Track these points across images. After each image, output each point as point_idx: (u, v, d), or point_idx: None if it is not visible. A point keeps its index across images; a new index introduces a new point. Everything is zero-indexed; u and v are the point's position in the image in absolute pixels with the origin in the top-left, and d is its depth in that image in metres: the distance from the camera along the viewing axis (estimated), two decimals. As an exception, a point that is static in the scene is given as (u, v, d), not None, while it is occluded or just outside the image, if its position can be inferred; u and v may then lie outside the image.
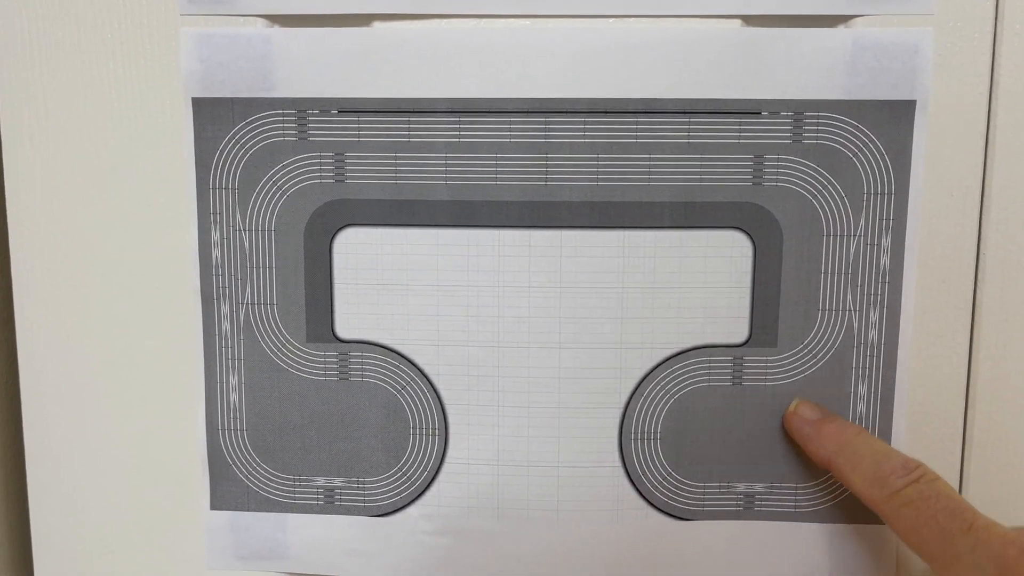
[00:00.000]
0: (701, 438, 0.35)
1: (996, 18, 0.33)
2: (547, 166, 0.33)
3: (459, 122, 0.33)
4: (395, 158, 0.34)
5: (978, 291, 0.34)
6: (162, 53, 0.34)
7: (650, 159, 0.33)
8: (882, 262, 0.34)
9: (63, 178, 0.36)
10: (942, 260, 0.34)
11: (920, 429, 0.35)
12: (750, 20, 0.33)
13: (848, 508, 0.35)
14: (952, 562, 0.28)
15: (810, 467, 0.35)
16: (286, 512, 0.36)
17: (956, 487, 0.35)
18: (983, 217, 0.34)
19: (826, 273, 0.34)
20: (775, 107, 0.33)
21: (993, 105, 0.33)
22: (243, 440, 0.36)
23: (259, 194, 0.34)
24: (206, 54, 0.33)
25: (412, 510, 0.36)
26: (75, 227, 0.36)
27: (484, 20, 0.33)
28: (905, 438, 0.35)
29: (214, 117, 0.34)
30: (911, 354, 0.34)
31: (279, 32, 0.33)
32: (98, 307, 0.37)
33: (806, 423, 0.33)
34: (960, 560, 0.28)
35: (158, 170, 0.35)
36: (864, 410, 0.34)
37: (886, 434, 0.34)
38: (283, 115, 0.34)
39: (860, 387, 0.34)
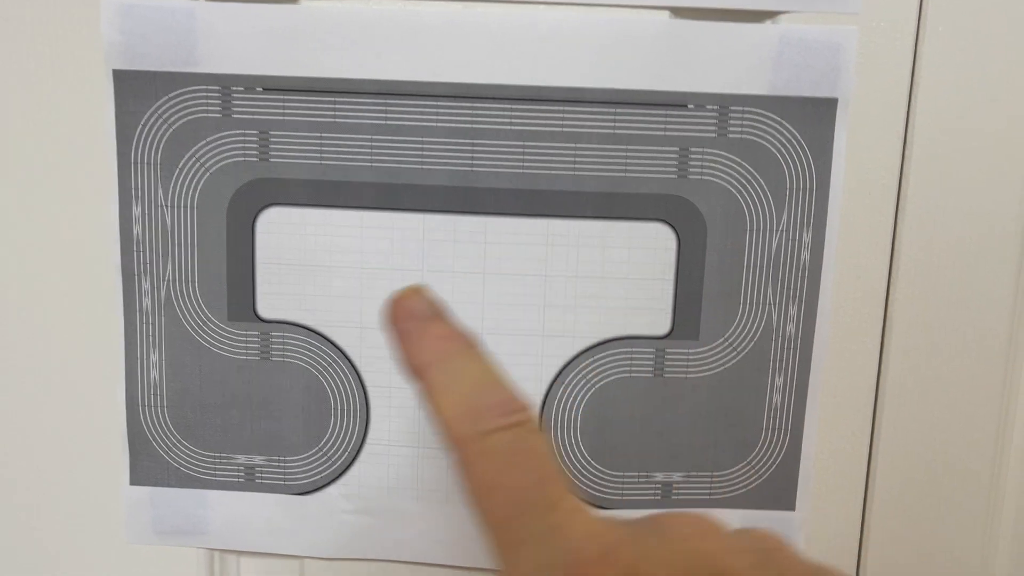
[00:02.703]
0: (621, 428, 0.34)
1: (919, 20, 0.32)
2: (473, 152, 0.32)
3: (385, 105, 0.32)
4: (320, 138, 0.32)
5: (891, 287, 0.34)
6: (83, 23, 0.33)
7: (576, 148, 0.32)
8: (802, 257, 0.33)
9: (-20, 147, 0.34)
10: (858, 256, 0.34)
11: (832, 419, 0.35)
12: (679, 12, 0.32)
13: (759, 495, 0.35)
14: (517, 545, 0.21)
15: (726, 456, 0.34)
16: (206, 488, 0.35)
17: (864, 474, 0.35)
18: (898, 216, 0.34)
19: (748, 267, 0.33)
20: (701, 100, 0.32)
21: (912, 106, 0.33)
22: (163, 417, 0.35)
23: (182, 170, 0.33)
24: (128, 25, 0.32)
25: (332, 489, 0.35)
26: (-7, 197, 0.35)
27: (413, 2, 0.32)
28: (817, 427, 0.34)
29: (136, 91, 0.32)
30: (826, 347, 0.34)
31: (204, 6, 0.32)
32: (18, 282, 0.35)
33: (411, 316, 0.25)
34: (525, 545, 0.21)
35: (78, 144, 0.34)
36: (780, 400, 0.34)
37: (799, 423, 0.34)
38: (207, 91, 0.32)
39: (777, 379, 0.34)
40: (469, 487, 0.22)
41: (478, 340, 0.25)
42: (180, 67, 0.32)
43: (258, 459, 0.35)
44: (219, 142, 0.32)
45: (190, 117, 0.32)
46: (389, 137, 0.32)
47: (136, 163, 0.33)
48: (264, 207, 0.33)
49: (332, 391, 0.34)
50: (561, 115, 0.32)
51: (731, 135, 0.32)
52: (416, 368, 0.24)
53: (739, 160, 0.32)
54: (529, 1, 0.31)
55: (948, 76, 0.32)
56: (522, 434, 0.22)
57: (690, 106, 0.32)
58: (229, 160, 0.33)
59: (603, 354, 0.34)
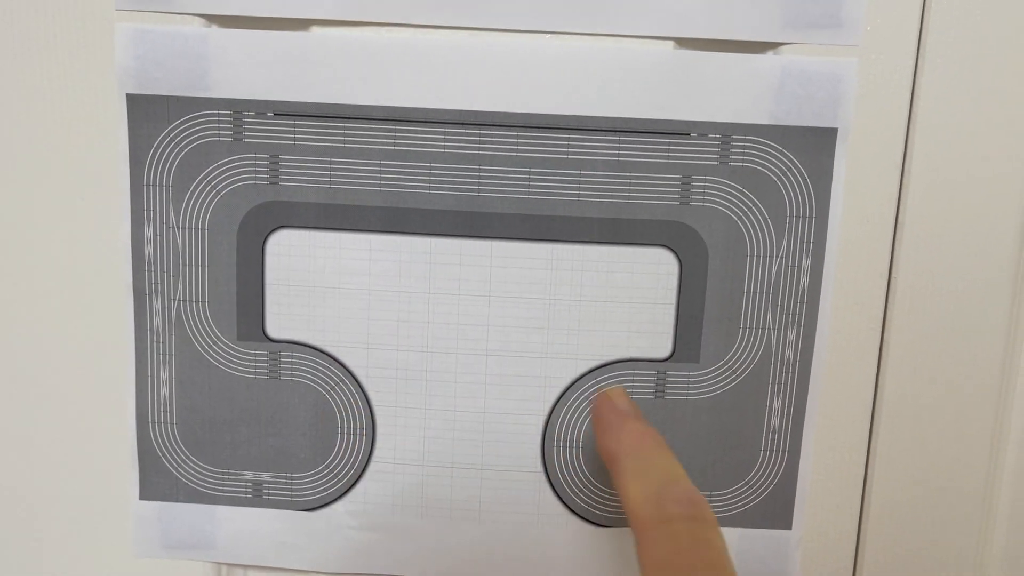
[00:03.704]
0: None
1: (918, 52, 0.33)
2: (480, 177, 0.33)
3: (394, 130, 0.32)
4: (330, 163, 0.33)
5: (888, 313, 0.34)
6: (98, 48, 0.33)
7: (580, 175, 0.32)
8: (801, 283, 0.33)
9: (-5, 167, 0.34)
10: (856, 283, 0.34)
11: (829, 441, 0.35)
12: (683, 43, 0.32)
13: (757, 514, 0.35)
14: None
15: (725, 476, 0.35)
16: (214, 504, 0.36)
17: (860, 494, 0.36)
18: (896, 243, 0.34)
19: (748, 292, 0.33)
20: (704, 129, 0.32)
21: (910, 136, 0.33)
22: (173, 433, 0.35)
23: (193, 193, 0.33)
24: (142, 51, 0.32)
25: (339, 506, 0.35)
26: (7, 219, 0.35)
27: (423, 30, 0.32)
28: (814, 448, 0.35)
29: (149, 114, 0.32)
30: (824, 371, 0.34)
31: (216, 32, 0.32)
32: (31, 300, 0.35)
33: (614, 411, 0.30)
34: None
35: (92, 165, 0.34)
36: (778, 423, 0.34)
37: (796, 445, 0.35)
38: (219, 115, 0.32)
39: (775, 401, 0.34)
40: (645, 564, 0.24)
41: (664, 440, 0.28)
42: (192, 92, 0.32)
43: (266, 475, 0.35)
44: (230, 165, 0.33)
45: (202, 141, 0.33)
46: (397, 162, 0.32)
47: (148, 185, 0.33)
48: (274, 229, 0.33)
49: (339, 410, 0.34)
50: (566, 142, 0.32)
51: (733, 163, 0.32)
52: (611, 454, 0.28)
53: (740, 188, 0.33)
54: (535, 31, 0.32)
55: (945, 107, 0.33)
56: (700, 526, 0.25)
57: (693, 134, 0.32)
58: (240, 183, 0.33)
59: (605, 376, 0.34)
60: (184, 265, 0.33)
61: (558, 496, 0.35)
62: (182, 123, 0.32)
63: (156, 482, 0.35)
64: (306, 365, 0.34)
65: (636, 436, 0.28)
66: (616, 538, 0.35)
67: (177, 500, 0.35)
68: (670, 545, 0.24)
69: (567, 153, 0.32)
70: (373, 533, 0.35)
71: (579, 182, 0.32)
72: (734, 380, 0.34)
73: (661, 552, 0.24)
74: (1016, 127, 0.33)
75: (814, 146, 0.32)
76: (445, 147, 0.32)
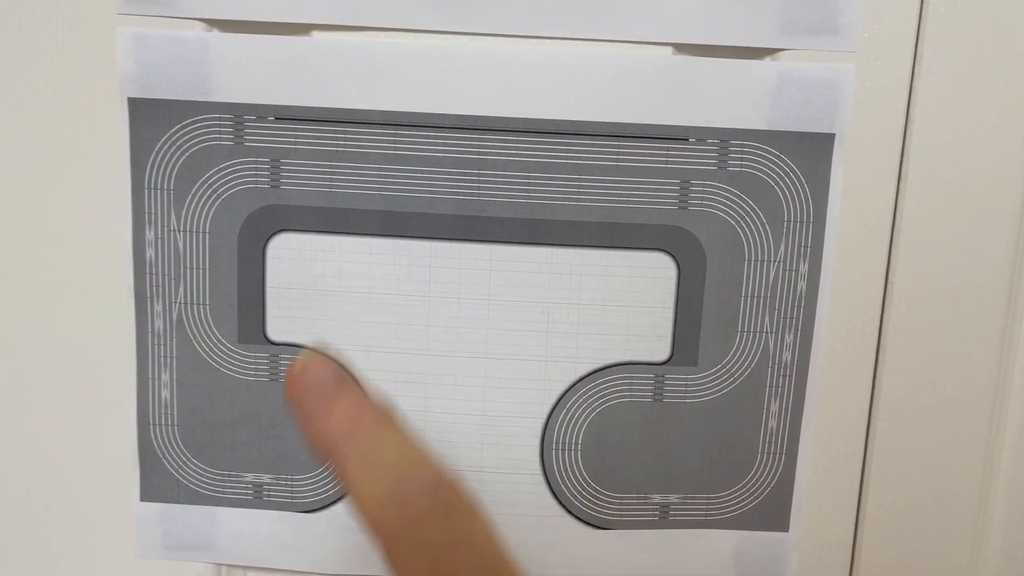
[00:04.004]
0: (620, 451, 0.35)
1: (914, 59, 0.33)
2: (479, 182, 0.33)
3: (395, 135, 0.32)
4: (330, 167, 0.33)
5: (884, 317, 0.34)
6: (99, 52, 0.33)
7: (579, 180, 0.33)
8: (799, 287, 0.34)
9: (-3, 170, 0.34)
10: (853, 287, 0.34)
11: (826, 443, 0.35)
12: (681, 48, 0.32)
13: (754, 516, 0.35)
14: None
15: (722, 478, 0.35)
16: (215, 505, 0.36)
17: (856, 497, 0.36)
18: (892, 248, 0.34)
19: (746, 296, 0.34)
20: (702, 134, 0.32)
21: (907, 141, 0.33)
22: (174, 435, 0.35)
23: (194, 196, 0.33)
24: (143, 55, 0.32)
25: (339, 507, 0.35)
26: (10, 222, 0.35)
27: (423, 35, 0.32)
28: (811, 451, 0.35)
29: (150, 118, 0.32)
30: (821, 375, 0.34)
31: (217, 37, 0.32)
32: (33, 302, 0.35)
33: (313, 390, 0.22)
34: None
35: (94, 169, 0.34)
36: (775, 425, 0.35)
37: (793, 447, 0.35)
38: (220, 119, 0.32)
39: (772, 404, 0.34)
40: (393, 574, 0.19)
41: (393, 410, 0.22)
42: (194, 96, 0.32)
43: (266, 477, 0.35)
44: (231, 169, 0.33)
45: (203, 145, 0.33)
46: (397, 167, 0.32)
47: (149, 188, 0.33)
48: (275, 233, 0.33)
49: (339, 412, 0.34)
50: (565, 147, 0.32)
51: (731, 168, 0.33)
52: (325, 446, 0.21)
53: (738, 192, 0.33)
54: (535, 36, 0.32)
55: (942, 113, 0.33)
56: (456, 518, 0.20)
57: (691, 140, 0.32)
58: (241, 187, 0.33)
59: (604, 379, 0.34)
60: (185, 268, 0.34)
61: (556, 499, 0.35)
62: (183, 127, 0.32)
63: (157, 484, 0.35)
64: (306, 368, 0.34)
65: (350, 415, 0.21)
66: (614, 540, 0.35)
67: (178, 501, 0.36)
68: (424, 554, 0.19)
69: (566, 158, 0.32)
70: (372, 535, 0.35)
71: (578, 186, 0.33)
72: (732, 383, 0.34)
73: (416, 564, 0.19)
74: (1012, 132, 0.33)
75: (811, 151, 0.32)
76: (444, 151, 0.32)
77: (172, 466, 0.35)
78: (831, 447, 0.35)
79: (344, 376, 0.22)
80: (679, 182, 0.33)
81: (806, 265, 0.33)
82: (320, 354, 0.23)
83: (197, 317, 0.34)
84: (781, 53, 0.32)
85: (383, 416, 0.22)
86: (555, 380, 0.34)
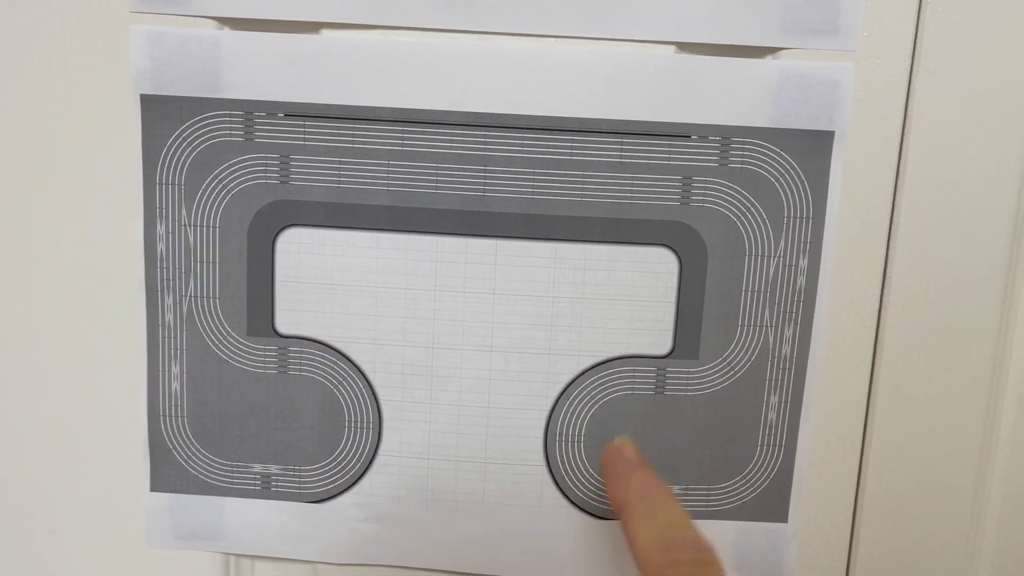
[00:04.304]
0: None
1: (913, 58, 0.33)
2: (485, 178, 0.33)
3: (402, 131, 0.33)
4: (339, 163, 0.33)
5: (883, 312, 0.35)
6: (112, 49, 0.33)
7: (583, 176, 0.33)
8: (798, 282, 0.34)
9: (11, 169, 0.35)
10: (851, 282, 0.35)
11: (824, 435, 0.36)
12: (684, 47, 0.33)
13: (754, 507, 0.36)
14: None
15: (723, 470, 0.35)
16: (224, 496, 0.36)
17: (854, 488, 0.37)
18: (890, 243, 0.35)
19: (747, 291, 0.34)
20: (704, 131, 0.33)
21: (905, 139, 0.34)
22: (183, 427, 0.36)
23: (205, 191, 0.34)
24: (156, 53, 0.32)
25: (345, 498, 0.36)
26: (24, 217, 0.35)
27: (430, 34, 0.33)
28: (810, 443, 0.35)
29: (162, 115, 0.33)
30: (820, 368, 0.35)
31: (229, 35, 0.32)
32: (46, 296, 0.36)
33: (623, 461, 0.31)
34: None
35: (106, 164, 0.34)
36: (775, 418, 0.35)
37: (793, 440, 0.35)
38: (230, 116, 0.33)
39: (772, 397, 0.35)
40: None
41: (673, 493, 0.31)
42: (205, 93, 0.33)
43: (274, 468, 0.36)
44: (241, 165, 0.33)
45: (214, 141, 0.33)
46: (405, 162, 0.33)
47: (161, 184, 0.34)
48: (284, 228, 0.34)
49: (346, 404, 0.35)
50: (570, 144, 0.33)
51: (732, 165, 0.33)
52: (619, 501, 0.29)
53: (739, 189, 0.33)
54: (540, 35, 0.32)
55: (939, 111, 0.33)
56: (707, 571, 0.26)
57: (693, 137, 0.33)
58: (251, 182, 0.33)
59: (607, 372, 0.35)
60: (195, 262, 0.34)
61: (560, 490, 0.35)
62: (195, 123, 0.33)
63: (167, 474, 0.36)
64: (314, 360, 0.35)
65: (644, 485, 0.29)
66: (617, 531, 0.36)
67: (187, 492, 0.36)
68: None
69: (570, 154, 0.33)
70: (379, 525, 0.36)
71: (582, 183, 0.33)
72: (732, 376, 0.35)
73: None
74: (1008, 130, 0.34)
75: (811, 148, 0.33)
76: (451, 148, 0.33)
77: (182, 457, 0.36)
78: (830, 439, 0.36)
79: (645, 460, 0.31)
80: (681, 178, 0.33)
81: (806, 260, 0.34)
82: (633, 442, 0.32)
83: (207, 310, 0.34)
84: (782, 52, 0.32)
85: (668, 492, 0.29)
86: (559, 373, 0.35)
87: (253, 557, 0.37)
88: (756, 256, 0.34)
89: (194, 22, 0.32)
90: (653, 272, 0.34)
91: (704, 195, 0.33)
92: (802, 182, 0.33)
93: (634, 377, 0.34)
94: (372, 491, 0.36)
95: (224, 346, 0.35)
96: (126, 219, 0.34)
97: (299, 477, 0.36)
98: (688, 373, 0.34)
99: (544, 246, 0.34)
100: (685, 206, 0.33)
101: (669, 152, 0.33)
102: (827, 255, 0.34)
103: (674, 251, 0.34)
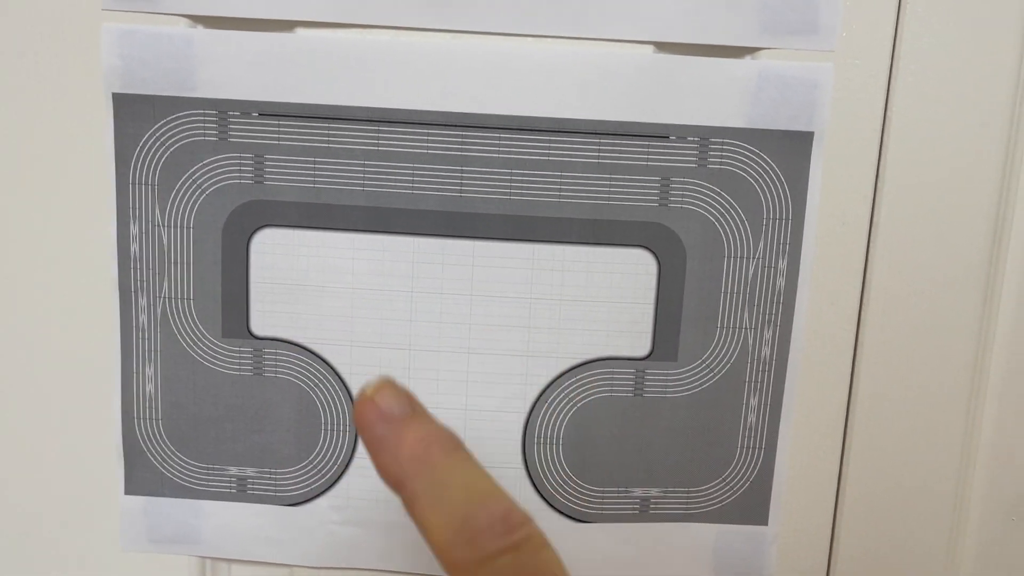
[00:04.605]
0: (602, 445, 0.35)
1: (892, 58, 0.33)
2: (462, 178, 0.33)
3: (378, 131, 0.32)
4: (314, 163, 0.33)
5: (863, 313, 0.35)
6: (83, 47, 0.33)
7: (561, 176, 0.33)
8: (778, 284, 0.34)
9: (-18, 165, 0.34)
10: (831, 283, 0.34)
11: (804, 438, 0.36)
12: (662, 47, 0.32)
13: (734, 510, 0.35)
14: None
15: (702, 472, 0.35)
16: (199, 499, 0.36)
17: (834, 490, 0.36)
18: (870, 244, 0.34)
19: (726, 293, 0.34)
20: (682, 132, 0.33)
21: (885, 140, 0.33)
22: (158, 429, 0.35)
23: (178, 191, 0.33)
24: (127, 51, 0.32)
25: (322, 501, 0.35)
26: (-7, 214, 0.35)
27: (406, 32, 0.32)
28: (790, 445, 0.35)
29: (134, 114, 0.32)
30: (799, 370, 0.35)
31: (202, 33, 0.32)
32: (18, 297, 0.35)
33: (383, 419, 0.21)
34: None
35: (78, 164, 0.34)
36: (754, 420, 0.35)
37: (773, 442, 0.35)
38: (204, 115, 0.33)
39: (752, 399, 0.35)
40: None
41: (461, 441, 0.21)
42: (178, 92, 0.32)
43: (250, 471, 0.35)
44: (215, 165, 0.33)
45: (187, 140, 0.33)
46: (381, 163, 0.33)
47: (134, 184, 0.33)
48: (258, 228, 0.33)
49: (322, 406, 0.35)
50: (548, 144, 0.32)
51: (711, 166, 0.33)
52: (395, 477, 0.21)
53: (718, 190, 0.33)
54: (518, 34, 0.32)
55: (919, 112, 0.33)
56: (529, 552, 0.19)
57: (672, 137, 0.33)
58: (225, 182, 0.33)
59: (585, 374, 0.34)
60: (169, 263, 0.34)
61: (539, 492, 0.35)
62: (168, 123, 0.33)
63: (141, 477, 0.35)
64: (290, 362, 0.34)
65: (420, 446, 0.21)
66: (596, 533, 0.35)
67: (162, 495, 0.36)
68: None
69: (548, 155, 0.33)
70: (356, 528, 0.35)
71: (560, 183, 0.33)
72: (711, 378, 0.34)
73: None
74: (987, 130, 0.33)
75: (790, 149, 0.33)
76: (428, 148, 0.33)
77: (156, 459, 0.35)
78: (810, 441, 0.36)
79: (415, 403, 0.22)
80: (660, 179, 0.33)
81: (785, 262, 0.34)
82: (391, 381, 0.22)
83: (181, 311, 0.34)
84: (761, 52, 0.32)
85: (452, 446, 0.21)
86: (537, 375, 0.34)
87: (229, 560, 0.37)
88: (735, 257, 0.33)
89: (167, 20, 0.32)
90: (632, 274, 0.33)
91: (683, 196, 0.33)
92: (781, 183, 0.33)
93: (613, 379, 0.34)
94: (349, 494, 0.35)
95: (199, 348, 0.34)
96: (99, 220, 0.34)
97: (275, 480, 0.35)
98: (667, 375, 0.34)
99: (522, 247, 0.33)
100: (664, 207, 0.33)
101: (647, 153, 0.33)
102: (806, 256, 0.33)
103: (653, 252, 0.33)
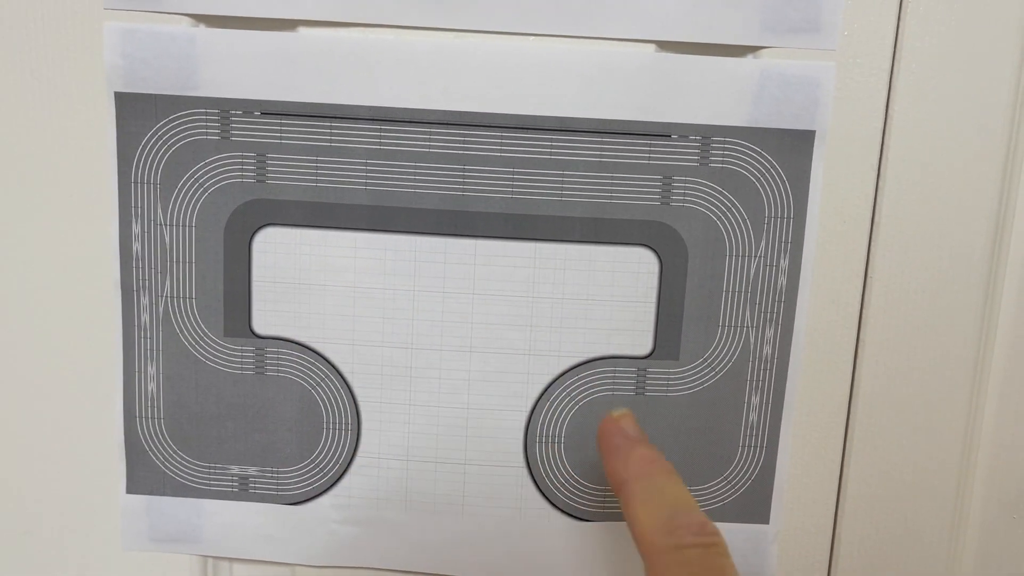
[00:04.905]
0: None
1: (894, 57, 0.33)
2: (464, 177, 0.33)
3: (380, 130, 0.32)
4: (316, 161, 0.33)
5: (864, 312, 0.35)
6: (86, 46, 0.33)
7: (563, 175, 0.33)
8: (779, 282, 0.34)
9: (-16, 164, 0.34)
10: (832, 282, 0.34)
11: (806, 436, 0.36)
12: (664, 46, 0.32)
13: (735, 508, 0.35)
14: None
15: (704, 471, 0.35)
16: (201, 498, 0.36)
17: (836, 489, 0.36)
18: (871, 243, 0.34)
19: (727, 291, 0.34)
20: (684, 131, 0.33)
21: (886, 138, 0.33)
22: (160, 428, 0.35)
23: (181, 190, 0.33)
24: (130, 50, 0.32)
25: (324, 500, 0.35)
26: (-5, 213, 0.35)
27: (408, 32, 0.32)
28: (791, 443, 0.35)
29: (137, 112, 0.32)
30: (801, 368, 0.35)
31: (204, 32, 0.32)
32: (20, 296, 0.35)
33: (621, 434, 0.29)
34: None
35: (81, 163, 0.34)
36: (756, 419, 0.35)
37: (774, 440, 0.35)
38: (206, 114, 0.32)
39: (754, 398, 0.35)
40: None
41: (674, 469, 0.27)
42: (180, 91, 0.32)
43: (252, 470, 0.35)
44: (217, 164, 0.33)
45: (189, 139, 0.33)
46: (383, 161, 0.33)
47: (136, 183, 0.33)
48: (261, 227, 0.33)
49: (324, 405, 0.35)
50: (549, 143, 0.32)
51: (712, 164, 0.33)
52: (619, 480, 0.27)
53: (720, 188, 0.33)
54: (520, 33, 0.32)
55: (920, 110, 0.33)
56: (713, 554, 0.25)
57: (673, 136, 0.33)
58: (227, 181, 0.33)
59: (587, 373, 0.34)
60: (172, 262, 0.34)
61: (540, 491, 0.35)
62: (170, 121, 0.33)
63: (143, 476, 0.35)
64: (292, 361, 0.34)
65: (645, 461, 0.28)
66: (597, 532, 0.35)
67: (164, 494, 0.36)
68: (682, 571, 0.24)
69: (550, 154, 0.33)
70: (358, 527, 0.35)
71: (562, 182, 0.33)
72: (713, 377, 0.34)
73: None
74: (988, 129, 0.33)
75: (792, 148, 0.33)
76: (430, 147, 0.32)
77: (158, 458, 0.35)
78: (811, 440, 0.36)
79: (645, 435, 0.29)
80: (661, 178, 0.33)
81: (786, 260, 0.34)
82: (632, 415, 0.30)
83: (183, 310, 0.34)
84: (763, 51, 0.32)
85: (670, 470, 0.27)
86: (539, 373, 0.34)
87: (231, 559, 0.37)
88: (737, 256, 0.33)
89: (169, 19, 0.32)
90: (633, 272, 0.33)
91: (684, 195, 0.33)
92: (783, 182, 0.33)
93: (615, 378, 0.34)
94: (351, 493, 0.35)
95: (201, 347, 0.34)
96: (101, 218, 0.34)
97: (277, 479, 0.35)
98: (669, 374, 0.34)
99: (524, 246, 0.33)
100: (665, 206, 0.33)
101: (649, 152, 0.33)
102: (808, 255, 0.33)
103: (654, 251, 0.33)
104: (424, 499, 0.35)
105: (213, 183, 0.33)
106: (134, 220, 0.33)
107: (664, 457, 0.28)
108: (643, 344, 0.34)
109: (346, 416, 0.35)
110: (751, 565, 0.36)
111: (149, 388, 0.35)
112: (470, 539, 0.35)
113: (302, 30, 0.32)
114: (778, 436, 0.35)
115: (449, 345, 0.34)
